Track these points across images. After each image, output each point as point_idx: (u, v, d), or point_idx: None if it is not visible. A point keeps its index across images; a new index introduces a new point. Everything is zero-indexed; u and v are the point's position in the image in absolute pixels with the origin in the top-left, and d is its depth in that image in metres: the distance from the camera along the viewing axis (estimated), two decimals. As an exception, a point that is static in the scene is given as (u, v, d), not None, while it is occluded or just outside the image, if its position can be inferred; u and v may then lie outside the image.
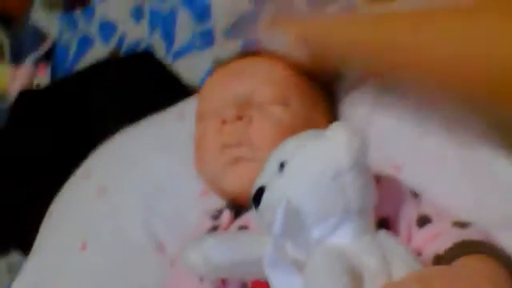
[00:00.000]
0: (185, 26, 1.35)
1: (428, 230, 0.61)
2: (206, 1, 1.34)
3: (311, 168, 0.56)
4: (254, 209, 0.60)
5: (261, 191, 0.59)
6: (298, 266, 0.56)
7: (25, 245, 0.97)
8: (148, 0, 1.46)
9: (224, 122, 0.72)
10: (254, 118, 0.72)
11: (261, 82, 0.75)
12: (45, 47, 1.66)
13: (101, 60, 1.35)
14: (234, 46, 1.25)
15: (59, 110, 1.22)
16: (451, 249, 0.56)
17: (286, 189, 0.57)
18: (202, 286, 0.69)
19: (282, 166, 0.59)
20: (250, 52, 0.83)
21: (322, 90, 0.81)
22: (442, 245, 0.57)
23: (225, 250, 0.61)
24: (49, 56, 1.65)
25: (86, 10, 1.62)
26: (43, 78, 1.61)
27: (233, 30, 1.22)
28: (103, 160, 0.92)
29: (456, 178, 0.65)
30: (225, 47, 1.28)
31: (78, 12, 1.64)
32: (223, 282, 0.67)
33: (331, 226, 0.56)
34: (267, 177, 0.60)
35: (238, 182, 0.71)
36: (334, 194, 0.56)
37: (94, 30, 1.55)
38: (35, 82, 1.57)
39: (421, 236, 0.61)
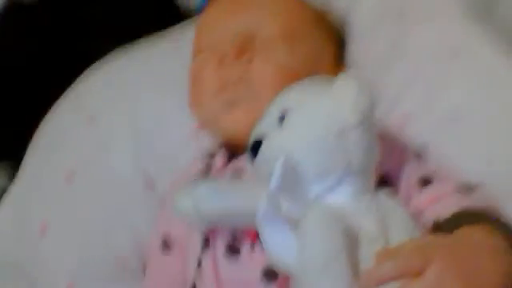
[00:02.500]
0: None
1: (429, 191, 0.60)
2: None
3: (315, 123, 0.54)
4: (249, 159, 0.58)
5: (259, 143, 0.56)
6: (293, 224, 0.54)
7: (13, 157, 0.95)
8: None
9: (223, 58, 0.68)
10: (256, 57, 0.68)
11: (265, 16, 0.71)
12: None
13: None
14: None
15: (50, 24, 1.16)
16: (452, 217, 0.55)
17: (286, 142, 0.55)
18: (191, 230, 0.68)
19: (282, 117, 0.56)
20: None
21: (332, 33, 0.77)
22: (443, 211, 0.56)
23: (217, 200, 0.59)
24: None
25: None
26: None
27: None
28: (93, 87, 0.88)
29: (468, 139, 0.64)
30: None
31: None
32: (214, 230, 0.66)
33: (330, 184, 0.54)
34: (266, 127, 0.57)
35: (235, 126, 0.68)
36: (336, 152, 0.54)
37: None
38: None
39: (421, 198, 0.60)
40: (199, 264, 0.66)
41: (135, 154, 0.81)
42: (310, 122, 0.54)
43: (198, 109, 0.75)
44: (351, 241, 0.51)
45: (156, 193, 0.80)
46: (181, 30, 0.93)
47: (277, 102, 0.58)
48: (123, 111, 0.84)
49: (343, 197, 0.54)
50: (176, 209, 0.62)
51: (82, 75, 0.91)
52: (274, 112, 0.57)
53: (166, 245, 0.72)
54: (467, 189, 0.60)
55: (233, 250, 0.63)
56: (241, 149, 0.69)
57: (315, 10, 0.77)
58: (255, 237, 0.62)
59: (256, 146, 0.57)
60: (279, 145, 0.55)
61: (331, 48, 0.76)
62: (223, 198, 0.59)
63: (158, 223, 0.74)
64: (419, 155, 0.65)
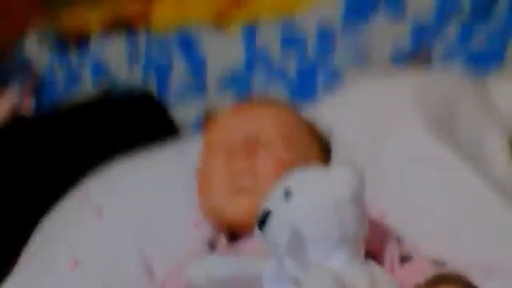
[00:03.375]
0: (180, 77, 1.46)
1: (409, 266, 0.71)
2: (201, 55, 1.47)
3: (316, 199, 0.66)
4: (257, 230, 0.68)
5: (267, 214, 0.67)
6: (295, 284, 0.64)
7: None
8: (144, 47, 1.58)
9: (233, 154, 0.81)
10: (260, 153, 0.82)
11: (268, 124, 0.86)
12: (32, 80, 1.72)
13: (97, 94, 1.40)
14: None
15: (45, 141, 1.25)
16: (430, 279, 0.65)
17: (292, 215, 0.66)
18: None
19: (287, 193, 0.67)
20: (258, 99, 0.94)
21: (319, 138, 0.92)
22: (422, 277, 0.66)
23: (226, 267, 0.68)
24: (35, 92, 1.71)
25: (80, 50, 1.71)
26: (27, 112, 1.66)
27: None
28: (100, 183, 0.98)
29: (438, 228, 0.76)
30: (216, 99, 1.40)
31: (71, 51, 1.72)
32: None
33: (328, 250, 0.65)
34: (272, 202, 0.68)
35: (240, 211, 0.79)
36: (334, 223, 0.65)
37: (86, 70, 1.64)
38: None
39: (402, 271, 0.70)
40: None
41: (137, 241, 0.90)
42: (312, 198, 0.66)
43: (207, 196, 0.85)
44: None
45: (154, 279, 0.87)
46: (182, 143, 1.06)
47: (280, 182, 0.70)
48: (128, 205, 0.94)
49: (339, 260, 0.65)
50: (189, 279, 0.70)
51: (89, 176, 1.01)
52: (278, 190, 0.69)
53: None
54: (442, 263, 0.71)
55: None
56: (241, 233, 0.79)
57: (307, 121, 0.93)
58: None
59: (263, 219, 0.67)
60: (286, 217, 0.66)
61: (318, 149, 0.90)
62: (232, 265, 0.68)
63: None
64: (399, 238, 0.76)
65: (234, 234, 0.82)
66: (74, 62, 1.68)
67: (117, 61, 1.57)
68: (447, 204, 0.81)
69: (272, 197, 0.69)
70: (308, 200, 0.66)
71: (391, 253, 0.73)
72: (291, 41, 1.36)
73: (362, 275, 0.63)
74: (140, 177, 0.98)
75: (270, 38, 1.38)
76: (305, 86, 1.30)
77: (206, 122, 1.04)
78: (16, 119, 1.42)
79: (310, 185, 0.68)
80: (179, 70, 1.46)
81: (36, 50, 1.80)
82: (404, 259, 0.73)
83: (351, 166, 0.67)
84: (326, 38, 1.32)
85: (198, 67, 1.45)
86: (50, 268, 0.89)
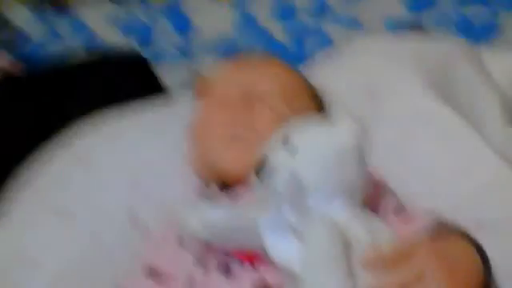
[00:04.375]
0: (164, 37, 1.45)
1: (403, 217, 0.72)
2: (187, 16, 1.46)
3: (317, 144, 0.65)
4: (254, 178, 0.68)
5: (265, 161, 0.66)
6: (293, 231, 0.63)
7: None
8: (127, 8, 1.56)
9: (230, 106, 0.81)
10: (257, 106, 0.81)
11: (266, 79, 0.86)
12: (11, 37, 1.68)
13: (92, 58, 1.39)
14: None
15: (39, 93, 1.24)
16: (430, 228, 0.66)
17: (291, 160, 0.65)
18: (182, 254, 0.75)
19: (286, 140, 0.67)
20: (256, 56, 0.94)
21: (316, 97, 0.91)
22: (418, 225, 0.67)
23: (222, 211, 0.68)
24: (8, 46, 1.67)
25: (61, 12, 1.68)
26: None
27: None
28: (88, 134, 0.97)
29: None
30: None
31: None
32: (207, 249, 0.73)
33: (327, 198, 0.64)
34: (271, 149, 0.68)
35: (234, 159, 0.78)
36: (334, 170, 0.64)
37: (65, 29, 1.61)
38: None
39: (397, 221, 0.71)
40: (191, 280, 0.72)
41: (124, 192, 0.89)
42: (313, 144, 0.65)
43: (200, 147, 0.84)
44: (346, 246, 0.61)
45: (139, 228, 0.87)
46: (169, 100, 1.06)
47: (279, 131, 0.69)
48: (116, 154, 0.93)
49: (338, 209, 0.64)
50: (183, 226, 0.69)
51: (76, 128, 1.00)
52: (277, 138, 0.68)
53: (152, 273, 0.78)
54: (433, 212, 0.72)
55: (224, 267, 0.71)
56: (234, 184, 0.79)
57: (304, 78, 0.93)
58: (245, 258, 0.70)
59: (262, 166, 0.67)
60: (285, 163, 0.65)
61: (315, 106, 0.90)
62: (228, 210, 0.68)
63: (145, 254, 0.80)
64: (393, 192, 0.77)
65: (226, 186, 0.81)
66: (54, 22, 1.66)
67: (97, 23, 1.56)
68: (447, 163, 0.81)
69: (271, 144, 0.69)
70: (309, 147, 0.65)
71: (386, 205, 0.73)
72: (283, 8, 1.36)
73: (360, 224, 0.63)
74: (129, 128, 0.97)
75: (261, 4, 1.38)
76: (297, 53, 1.30)
77: (194, 83, 1.02)
78: (8, 79, 1.40)
79: (310, 133, 0.67)
80: (164, 33, 1.46)
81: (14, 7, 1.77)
82: (398, 210, 0.73)
83: (353, 117, 0.67)
84: (318, 5, 1.32)
85: (184, 29, 1.44)
86: (35, 216, 0.88)
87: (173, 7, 1.47)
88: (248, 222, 0.67)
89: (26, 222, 0.88)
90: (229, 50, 1.37)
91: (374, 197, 0.73)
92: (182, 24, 1.45)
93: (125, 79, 1.20)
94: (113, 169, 0.92)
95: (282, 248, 0.63)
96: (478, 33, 1.14)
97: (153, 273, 0.77)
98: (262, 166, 0.67)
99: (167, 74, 1.33)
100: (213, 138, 0.81)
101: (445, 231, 0.65)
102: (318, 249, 0.60)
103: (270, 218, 0.65)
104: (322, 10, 1.32)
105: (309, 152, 0.65)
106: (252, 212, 0.68)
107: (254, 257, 0.70)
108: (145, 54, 1.37)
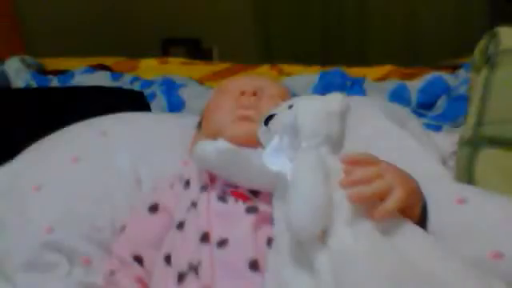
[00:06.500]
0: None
1: None
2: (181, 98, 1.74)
3: (313, 107, 0.90)
4: (262, 126, 0.90)
5: (272, 115, 0.90)
6: (288, 157, 0.85)
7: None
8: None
9: (243, 93, 1.04)
10: (264, 98, 1.05)
11: (272, 86, 1.11)
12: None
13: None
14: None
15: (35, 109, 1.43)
16: None
17: (294, 115, 0.89)
18: (184, 194, 0.94)
19: (290, 106, 0.91)
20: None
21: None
22: None
23: (232, 148, 0.89)
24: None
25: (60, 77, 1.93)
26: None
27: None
28: (107, 118, 1.19)
29: None
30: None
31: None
32: (206, 186, 0.92)
33: (316, 143, 0.87)
34: (277, 109, 0.92)
35: (240, 132, 0.98)
36: (324, 124, 0.89)
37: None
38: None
39: None
40: (194, 205, 0.90)
41: (133, 158, 1.08)
42: (310, 107, 0.90)
43: (213, 120, 1.04)
44: (326, 174, 0.83)
45: (141, 190, 1.05)
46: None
47: (285, 103, 0.94)
48: (130, 132, 1.14)
49: (323, 151, 0.87)
50: (198, 154, 0.89)
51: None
52: (283, 104, 0.93)
53: (154, 208, 0.95)
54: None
55: (222, 198, 0.90)
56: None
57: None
58: (240, 196, 0.90)
59: (269, 117, 0.90)
60: (288, 115, 0.89)
61: None
62: (237, 148, 0.89)
63: (152, 194, 0.97)
64: None
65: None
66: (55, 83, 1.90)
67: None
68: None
69: (277, 108, 0.93)
70: (307, 105, 0.90)
71: None
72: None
73: (337, 162, 0.85)
74: (143, 117, 1.19)
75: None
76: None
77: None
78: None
79: (309, 101, 0.92)
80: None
81: (16, 68, 2.00)
82: None
83: (341, 94, 0.93)
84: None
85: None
86: (51, 159, 1.05)
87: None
88: (253, 155, 0.88)
89: (41, 158, 1.05)
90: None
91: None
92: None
93: (122, 104, 1.41)
94: (125, 141, 1.11)
95: (277, 162, 0.84)
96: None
97: (155, 208, 0.95)
98: (269, 116, 0.90)
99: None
100: (225, 117, 1.02)
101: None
102: (305, 163, 0.81)
103: (270, 148, 0.87)
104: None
105: (306, 110, 0.90)
106: (256, 152, 0.89)
107: (248, 197, 0.90)
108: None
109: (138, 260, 0.92)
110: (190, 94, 1.74)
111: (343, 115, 0.91)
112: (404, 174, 0.82)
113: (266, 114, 0.92)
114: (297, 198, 0.75)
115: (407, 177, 0.82)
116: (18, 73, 1.96)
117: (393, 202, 0.75)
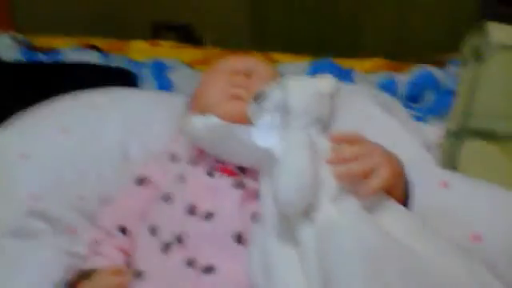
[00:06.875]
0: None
1: None
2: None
3: (306, 87, 0.92)
4: (253, 103, 0.92)
5: (263, 92, 0.92)
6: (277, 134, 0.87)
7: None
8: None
9: (235, 72, 1.05)
10: (255, 78, 1.06)
11: (264, 67, 1.12)
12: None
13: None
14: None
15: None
16: None
17: (284, 92, 0.91)
18: (172, 167, 0.95)
19: (281, 82, 0.93)
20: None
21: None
22: None
23: (224, 123, 0.90)
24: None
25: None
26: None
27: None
28: (97, 91, 1.20)
29: None
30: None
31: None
32: (195, 160, 0.94)
33: (305, 123, 0.89)
34: (268, 86, 0.93)
35: (231, 110, 0.98)
36: (315, 104, 0.91)
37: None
38: None
39: None
40: (181, 178, 0.91)
41: (122, 132, 1.09)
42: (302, 88, 0.92)
43: (205, 97, 1.05)
44: (314, 152, 0.84)
45: (129, 163, 1.06)
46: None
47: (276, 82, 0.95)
48: (121, 105, 1.15)
49: (312, 131, 0.89)
50: (188, 129, 0.91)
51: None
52: (274, 84, 0.94)
53: (141, 181, 0.96)
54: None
55: (210, 173, 0.92)
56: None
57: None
58: (228, 172, 0.91)
59: (260, 94, 0.92)
60: (278, 92, 0.91)
61: None
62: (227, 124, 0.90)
63: (138, 168, 0.99)
64: None
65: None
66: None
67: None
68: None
69: (268, 86, 0.94)
70: (299, 86, 0.92)
71: None
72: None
73: (324, 141, 0.87)
74: (133, 93, 1.21)
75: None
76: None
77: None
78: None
79: (300, 79, 0.94)
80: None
81: (6, 44, 1.99)
82: None
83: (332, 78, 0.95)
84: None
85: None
86: (40, 128, 1.06)
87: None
88: (242, 132, 0.89)
89: (29, 127, 1.07)
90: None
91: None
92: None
93: (111, 81, 1.40)
94: (116, 114, 1.13)
95: (267, 139, 0.86)
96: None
97: (142, 180, 0.96)
98: (260, 94, 0.92)
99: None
100: (216, 95, 1.03)
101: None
102: (294, 141, 0.82)
103: (260, 125, 0.88)
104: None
105: (298, 90, 0.91)
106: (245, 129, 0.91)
107: (236, 173, 0.91)
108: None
109: (123, 230, 0.93)
110: (179, 76, 1.74)
111: (332, 97, 0.93)
112: (390, 154, 0.84)
113: (257, 92, 0.93)
114: (285, 174, 0.77)
115: (393, 157, 0.84)
116: (8, 49, 1.96)
117: (378, 180, 0.77)
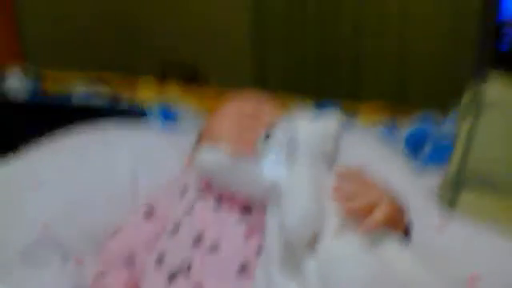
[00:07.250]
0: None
1: None
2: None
3: (313, 127, 0.96)
4: (261, 139, 0.96)
5: (273, 127, 0.96)
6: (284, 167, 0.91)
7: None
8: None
9: (243, 114, 1.08)
10: (264, 118, 1.10)
11: (270, 107, 1.16)
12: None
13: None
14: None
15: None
16: None
17: (292, 129, 0.95)
18: (181, 202, 0.99)
19: (289, 120, 0.97)
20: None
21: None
22: None
23: (232, 159, 0.94)
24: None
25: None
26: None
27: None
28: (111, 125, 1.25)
29: None
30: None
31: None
32: (204, 192, 0.98)
33: (313, 159, 0.93)
34: (276, 125, 0.97)
35: (240, 151, 1.02)
36: (320, 143, 0.95)
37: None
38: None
39: None
40: (189, 209, 0.95)
41: (133, 166, 1.15)
42: (310, 127, 0.96)
43: (217, 130, 1.07)
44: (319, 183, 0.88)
45: (138, 195, 1.10)
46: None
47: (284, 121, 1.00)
48: (132, 140, 1.20)
49: (319, 167, 0.93)
50: (199, 161, 0.95)
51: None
52: (282, 122, 0.99)
53: (149, 212, 1.00)
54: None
55: (217, 205, 0.95)
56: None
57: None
58: (234, 204, 0.95)
59: (269, 131, 0.96)
60: (288, 132, 0.95)
61: None
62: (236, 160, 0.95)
63: (147, 199, 1.03)
64: None
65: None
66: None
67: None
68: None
69: (276, 125, 0.99)
70: (307, 125, 0.96)
71: None
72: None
73: (331, 177, 0.91)
74: (143, 129, 1.26)
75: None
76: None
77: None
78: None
79: (308, 117, 0.98)
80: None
81: (17, 83, 2.05)
82: None
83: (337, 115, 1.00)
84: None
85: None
86: (53, 159, 1.13)
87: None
88: (249, 163, 0.93)
89: (43, 157, 1.11)
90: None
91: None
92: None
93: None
94: (127, 146, 1.18)
95: (275, 171, 0.90)
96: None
97: (150, 212, 0.99)
98: (269, 131, 0.97)
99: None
100: (228, 128, 1.05)
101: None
102: (302, 175, 0.87)
103: (268, 160, 0.93)
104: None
105: (306, 129, 0.96)
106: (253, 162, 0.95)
107: (243, 206, 0.95)
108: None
109: (129, 262, 0.96)
110: (185, 118, 1.81)
111: (338, 138, 0.98)
112: (392, 191, 0.88)
113: (266, 131, 0.98)
114: (292, 204, 0.81)
115: (395, 194, 0.88)
116: (18, 90, 2.02)
117: (379, 215, 0.81)
